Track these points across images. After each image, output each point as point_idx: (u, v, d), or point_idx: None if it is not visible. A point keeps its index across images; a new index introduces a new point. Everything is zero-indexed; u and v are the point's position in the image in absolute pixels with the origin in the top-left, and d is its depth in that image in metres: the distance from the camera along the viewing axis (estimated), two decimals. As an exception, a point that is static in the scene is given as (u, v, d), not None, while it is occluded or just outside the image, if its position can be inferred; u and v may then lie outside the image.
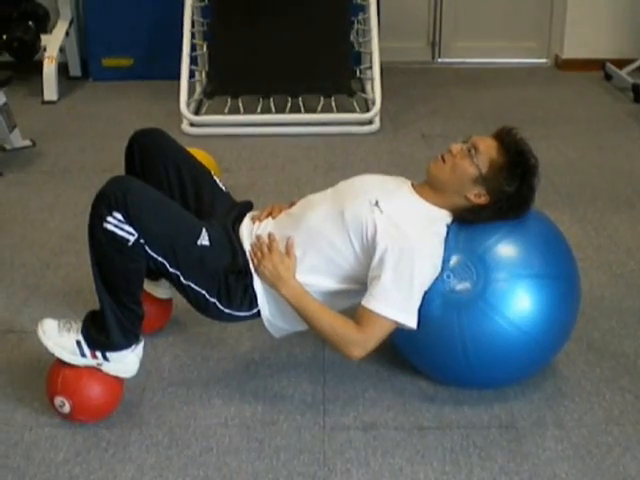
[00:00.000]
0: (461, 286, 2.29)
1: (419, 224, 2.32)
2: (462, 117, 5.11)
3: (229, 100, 4.88)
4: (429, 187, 2.40)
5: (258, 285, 2.37)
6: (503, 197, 2.32)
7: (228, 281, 2.34)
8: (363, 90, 5.21)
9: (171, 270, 2.26)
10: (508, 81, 5.89)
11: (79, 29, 5.97)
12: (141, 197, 2.21)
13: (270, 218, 2.52)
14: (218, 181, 2.64)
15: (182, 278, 2.28)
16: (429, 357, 2.47)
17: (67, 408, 2.31)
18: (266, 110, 4.86)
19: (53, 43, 5.57)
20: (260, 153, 4.53)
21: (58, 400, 2.31)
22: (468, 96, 5.56)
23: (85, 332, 2.30)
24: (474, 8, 6.19)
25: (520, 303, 2.31)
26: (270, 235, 2.41)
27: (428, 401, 2.46)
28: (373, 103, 4.86)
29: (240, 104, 4.87)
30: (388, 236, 2.25)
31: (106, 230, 2.15)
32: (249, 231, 2.47)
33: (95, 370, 2.32)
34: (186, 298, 2.37)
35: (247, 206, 2.63)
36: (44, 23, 5.70)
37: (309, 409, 2.44)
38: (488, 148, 2.34)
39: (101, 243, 2.19)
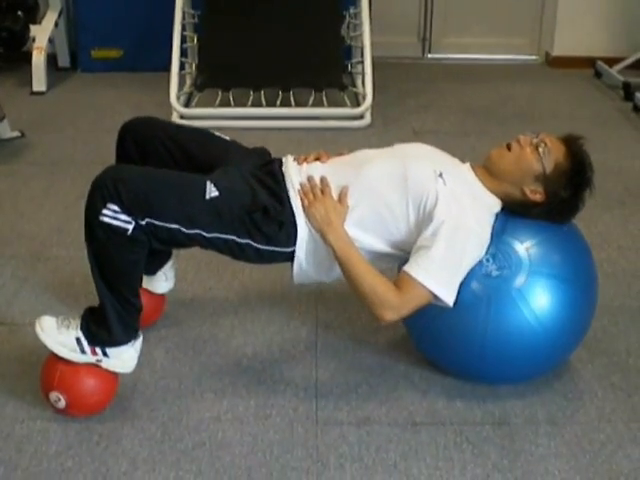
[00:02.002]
0: (498, 272, 2.30)
1: (476, 205, 2.33)
2: (453, 113, 5.11)
3: (220, 93, 4.86)
4: (487, 172, 2.41)
5: (302, 225, 2.32)
6: (556, 200, 2.35)
7: (254, 219, 2.26)
8: (354, 84, 5.20)
9: (189, 232, 2.21)
10: (498, 77, 5.89)
11: (68, 20, 5.93)
12: (133, 180, 2.18)
13: (318, 162, 2.48)
14: (219, 134, 2.61)
15: (205, 233, 2.23)
16: (443, 340, 2.45)
17: (62, 403, 2.29)
18: (257, 103, 4.84)
19: (42, 34, 5.53)
20: (250, 146, 4.49)
21: (54, 395, 2.29)
22: (458, 92, 5.56)
23: (85, 328, 2.28)
24: (465, 4, 6.18)
25: (550, 302, 2.33)
26: (323, 179, 2.38)
27: (421, 397, 2.46)
28: (364, 98, 4.85)
29: (231, 97, 4.85)
30: (447, 210, 2.25)
31: (103, 223, 2.13)
32: (297, 170, 2.43)
33: (92, 366, 2.30)
34: (217, 251, 2.32)
35: (264, 150, 2.61)
36: (33, 13, 5.67)
37: (302, 404, 2.43)
38: (557, 150, 2.36)
39: (98, 236, 2.16)
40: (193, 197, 2.24)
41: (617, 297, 2.99)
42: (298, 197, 2.34)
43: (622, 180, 4.05)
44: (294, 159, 2.49)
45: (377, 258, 2.37)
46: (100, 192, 2.14)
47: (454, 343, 2.41)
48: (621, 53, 5.79)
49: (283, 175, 2.41)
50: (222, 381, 2.53)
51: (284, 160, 2.49)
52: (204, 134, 2.60)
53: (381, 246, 2.36)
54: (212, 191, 2.24)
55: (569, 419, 2.38)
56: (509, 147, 2.38)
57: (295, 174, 2.41)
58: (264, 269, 3.16)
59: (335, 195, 2.35)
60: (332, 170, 2.43)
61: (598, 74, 5.81)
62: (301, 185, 2.37)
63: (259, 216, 2.27)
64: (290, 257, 2.35)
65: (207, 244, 2.28)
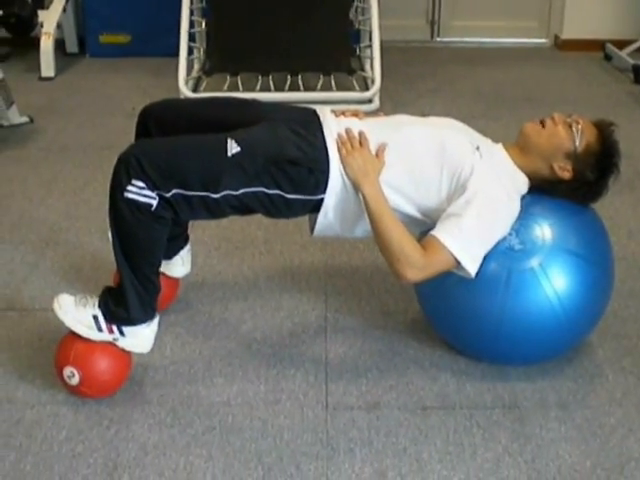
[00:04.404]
0: (521, 246, 2.31)
1: (508, 182, 2.35)
2: (461, 96, 5.10)
3: (228, 77, 4.84)
4: (518, 148, 2.44)
5: (335, 173, 2.30)
6: (582, 180, 2.39)
7: (282, 168, 2.25)
8: (362, 68, 5.18)
9: (217, 196, 2.21)
10: (507, 61, 5.87)
11: (76, 5, 5.93)
12: (155, 152, 2.21)
13: (356, 118, 2.48)
14: (236, 96, 2.62)
15: (233, 192, 2.22)
16: (459, 312, 2.43)
17: (76, 379, 2.30)
18: (265, 88, 4.82)
19: (50, 19, 5.52)
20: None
21: (68, 370, 2.30)
22: (467, 75, 5.54)
23: (103, 306, 2.30)
24: (474, -13, 6.16)
25: (571, 280, 2.34)
26: (362, 133, 2.37)
27: (431, 381, 2.46)
28: (373, 82, 4.83)
29: (239, 82, 4.83)
30: (482, 182, 2.27)
31: (127, 199, 2.16)
32: (335, 121, 2.42)
33: (108, 345, 2.32)
34: (251, 211, 2.32)
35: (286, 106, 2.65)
36: (41, -1, 5.67)
37: (312, 388, 2.43)
38: (590, 131, 2.39)
39: (123, 213, 2.18)
40: (215, 156, 2.24)
41: (628, 281, 2.98)
42: (335, 145, 2.33)
43: (632, 164, 4.02)
44: (331, 111, 2.49)
45: (402, 221, 2.35)
46: (125, 169, 2.17)
47: (471, 316, 2.40)
48: (631, 36, 5.77)
49: (320, 124, 2.40)
50: (232, 366, 2.53)
51: (319, 111, 2.48)
52: (223, 101, 2.62)
53: (408, 208, 2.35)
54: (233, 147, 2.24)
55: (580, 403, 2.38)
56: (543, 123, 2.40)
57: (334, 123, 2.40)
58: (273, 254, 3.17)
59: (373, 151, 2.35)
60: (371, 127, 2.42)
61: (608, 57, 5.78)
62: (339, 135, 2.36)
63: (286, 164, 2.26)
64: (317, 206, 2.34)
65: (239, 205, 2.27)
